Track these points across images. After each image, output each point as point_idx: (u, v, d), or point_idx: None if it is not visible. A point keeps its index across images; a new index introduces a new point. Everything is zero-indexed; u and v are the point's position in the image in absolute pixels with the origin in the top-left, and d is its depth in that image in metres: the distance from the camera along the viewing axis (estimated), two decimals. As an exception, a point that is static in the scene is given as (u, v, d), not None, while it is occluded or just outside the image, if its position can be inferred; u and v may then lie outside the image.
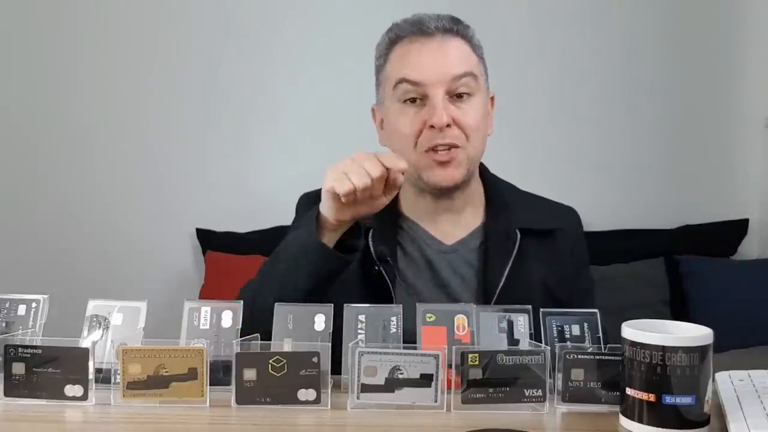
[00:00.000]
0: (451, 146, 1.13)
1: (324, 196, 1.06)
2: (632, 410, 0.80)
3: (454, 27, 1.17)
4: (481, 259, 1.20)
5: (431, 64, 1.14)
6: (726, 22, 2.93)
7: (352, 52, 2.81)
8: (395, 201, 1.23)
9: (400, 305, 0.98)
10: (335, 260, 1.07)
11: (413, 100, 1.15)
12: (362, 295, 1.10)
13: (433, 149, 1.13)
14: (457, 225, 1.22)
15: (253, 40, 2.90)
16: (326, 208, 1.06)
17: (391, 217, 1.22)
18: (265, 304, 0.99)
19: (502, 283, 1.15)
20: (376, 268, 1.15)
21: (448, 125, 1.12)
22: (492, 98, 1.24)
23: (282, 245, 1.14)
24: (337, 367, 0.91)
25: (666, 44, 2.92)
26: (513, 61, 2.81)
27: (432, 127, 1.12)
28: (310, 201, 1.24)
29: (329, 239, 1.07)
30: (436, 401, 0.86)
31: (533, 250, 1.19)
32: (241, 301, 0.98)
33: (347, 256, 1.08)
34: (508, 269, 1.17)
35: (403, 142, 1.16)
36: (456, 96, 1.14)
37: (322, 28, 2.88)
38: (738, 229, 2.88)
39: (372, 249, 1.16)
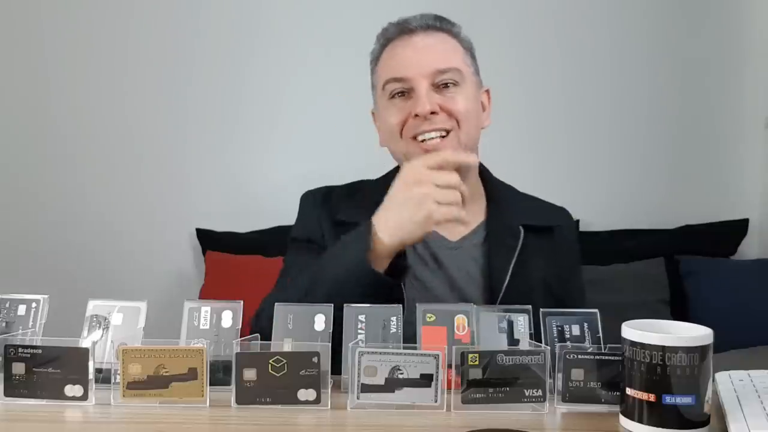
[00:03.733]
0: (441, 132, 1.14)
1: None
2: (632, 410, 0.80)
3: (437, 23, 1.19)
4: (485, 255, 1.21)
5: (414, 58, 1.15)
6: (726, 22, 2.93)
7: (351, 53, 2.82)
8: None
9: (399, 306, 0.98)
10: (389, 287, 1.05)
11: (401, 94, 1.17)
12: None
13: (420, 139, 1.14)
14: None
15: (253, 41, 2.90)
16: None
17: None
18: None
19: (507, 280, 1.16)
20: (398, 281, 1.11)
21: (434, 113, 1.13)
22: (487, 92, 1.25)
23: (321, 268, 1.07)
24: (337, 367, 0.91)
25: (665, 45, 2.91)
26: (519, 62, 2.81)
27: (416, 116, 1.13)
28: (316, 199, 1.26)
29: (382, 265, 1.05)
30: (436, 401, 0.86)
31: (534, 246, 1.21)
32: (241, 302, 0.98)
33: (397, 280, 1.07)
34: (512, 266, 1.17)
35: (389, 131, 1.18)
36: (442, 86, 1.15)
37: (322, 29, 2.88)
38: (738, 229, 2.88)
39: None
